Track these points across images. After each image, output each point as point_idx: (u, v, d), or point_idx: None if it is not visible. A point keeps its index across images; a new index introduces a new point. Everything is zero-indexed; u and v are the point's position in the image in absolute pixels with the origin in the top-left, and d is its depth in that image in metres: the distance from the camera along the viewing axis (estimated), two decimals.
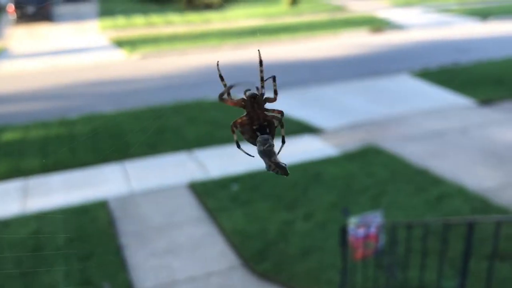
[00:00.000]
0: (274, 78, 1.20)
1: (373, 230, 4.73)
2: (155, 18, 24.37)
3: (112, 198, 7.29)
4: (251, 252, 5.82)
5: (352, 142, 9.01)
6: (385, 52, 17.09)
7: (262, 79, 1.19)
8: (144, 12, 25.65)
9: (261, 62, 1.17)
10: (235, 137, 1.22)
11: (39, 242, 6.22)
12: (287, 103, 10.99)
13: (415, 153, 8.45)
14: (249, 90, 1.20)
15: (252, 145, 1.21)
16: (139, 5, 27.40)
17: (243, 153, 1.26)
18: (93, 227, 6.55)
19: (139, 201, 7.27)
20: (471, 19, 23.02)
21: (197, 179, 7.79)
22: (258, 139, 1.17)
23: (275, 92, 1.22)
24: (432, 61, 14.82)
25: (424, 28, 21.39)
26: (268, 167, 1.16)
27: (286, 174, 1.15)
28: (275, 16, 24.98)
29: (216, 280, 5.44)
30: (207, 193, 7.32)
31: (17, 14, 23.63)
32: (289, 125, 9.88)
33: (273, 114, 1.21)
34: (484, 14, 23.69)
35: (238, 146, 1.24)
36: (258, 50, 1.19)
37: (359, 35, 20.40)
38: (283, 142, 1.23)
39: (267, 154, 1.15)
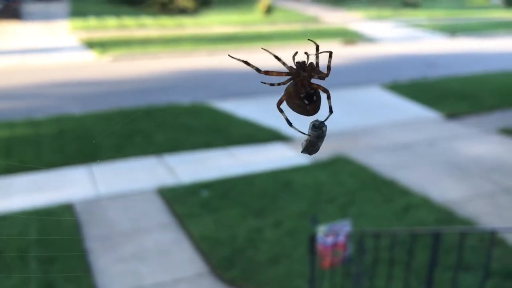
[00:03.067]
0: (330, 53, 1.17)
1: (341, 238, 4.76)
2: (128, 21, 24.10)
3: (78, 202, 7.13)
4: (220, 259, 5.78)
5: (322, 152, 9.08)
6: (357, 64, 17.37)
7: (317, 56, 1.17)
8: (117, 14, 25.35)
9: (317, 47, 1.16)
10: (284, 116, 1.16)
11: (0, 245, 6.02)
12: (257, 111, 11.02)
13: (384, 164, 8.59)
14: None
15: (301, 115, 1.17)
16: (112, 7, 27.07)
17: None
18: (57, 231, 6.38)
19: (106, 205, 7.13)
20: (440, 35, 23.68)
21: (166, 184, 7.70)
22: (315, 123, 1.15)
23: (328, 68, 1.18)
24: (402, 74, 15.15)
25: (395, 42, 21.86)
26: (311, 149, 1.15)
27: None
28: (250, 24, 25.08)
29: (184, 287, 5.37)
30: (176, 199, 7.24)
31: None
32: (259, 133, 9.90)
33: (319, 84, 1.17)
34: (452, 31, 24.41)
35: (290, 124, 1.18)
36: (310, 39, 1.20)
37: (331, 46, 20.66)
38: (331, 112, 1.20)
39: (321, 137, 1.15)
